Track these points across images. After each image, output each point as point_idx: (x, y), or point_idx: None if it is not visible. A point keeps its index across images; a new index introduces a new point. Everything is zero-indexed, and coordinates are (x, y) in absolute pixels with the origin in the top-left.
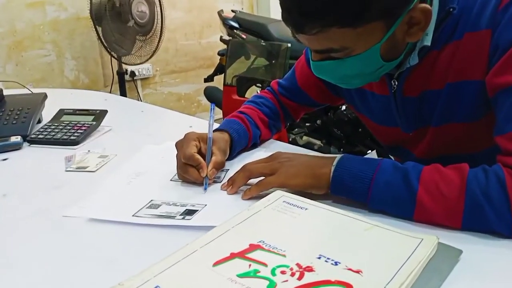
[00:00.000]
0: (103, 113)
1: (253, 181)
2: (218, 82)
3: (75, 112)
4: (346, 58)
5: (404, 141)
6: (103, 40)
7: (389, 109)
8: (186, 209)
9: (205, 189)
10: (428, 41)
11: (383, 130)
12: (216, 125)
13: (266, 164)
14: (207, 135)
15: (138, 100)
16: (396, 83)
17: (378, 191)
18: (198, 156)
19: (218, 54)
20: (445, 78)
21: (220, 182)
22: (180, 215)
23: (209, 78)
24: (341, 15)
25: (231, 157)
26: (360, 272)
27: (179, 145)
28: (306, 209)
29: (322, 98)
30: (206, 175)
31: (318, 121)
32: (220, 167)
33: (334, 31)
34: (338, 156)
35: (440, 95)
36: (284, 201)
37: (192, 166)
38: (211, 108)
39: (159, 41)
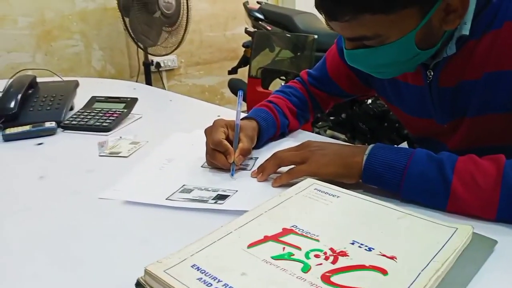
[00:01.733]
0: (134, 101)
1: (283, 169)
2: (242, 74)
3: (106, 99)
4: (379, 46)
5: (437, 133)
6: (130, 31)
7: (424, 100)
8: (218, 194)
9: (232, 175)
10: (466, 30)
11: (416, 121)
12: (243, 115)
13: (297, 152)
14: (235, 122)
15: None
16: (432, 73)
17: (411, 181)
18: (226, 142)
19: (243, 46)
20: (483, 68)
21: (249, 170)
22: (212, 199)
23: (233, 70)
24: (373, 1)
25: (259, 145)
26: (394, 259)
27: (208, 131)
28: (338, 196)
29: (353, 88)
30: (233, 161)
31: (343, 115)
32: (246, 154)
33: (367, 18)
34: (371, 146)
35: (477, 85)
36: (315, 189)
37: (220, 152)
38: (239, 95)
39: (184, 32)
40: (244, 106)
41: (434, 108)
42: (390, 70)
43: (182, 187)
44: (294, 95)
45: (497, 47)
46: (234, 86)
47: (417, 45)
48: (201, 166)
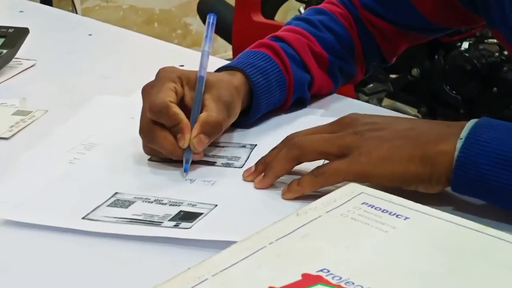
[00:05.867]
0: (21, 34)
1: (303, 167)
2: None
3: None
4: None
5: None
6: None
7: None
8: (181, 211)
9: (185, 171)
10: None
11: None
12: (220, 62)
13: (332, 135)
14: (196, 74)
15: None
16: None
17: None
18: (177, 110)
19: None
20: None
21: (239, 168)
22: (171, 220)
23: None
24: None
25: (250, 121)
26: None
27: (146, 89)
28: (406, 218)
29: (444, 16)
30: (188, 146)
31: (414, 71)
32: (214, 131)
33: None
34: (470, 121)
35: None
36: (364, 203)
37: (164, 128)
38: (209, 22)
39: None
40: (229, 51)
41: None
42: None
43: (112, 196)
44: (327, 27)
45: None
46: (207, 11)
47: None
48: (150, 159)
